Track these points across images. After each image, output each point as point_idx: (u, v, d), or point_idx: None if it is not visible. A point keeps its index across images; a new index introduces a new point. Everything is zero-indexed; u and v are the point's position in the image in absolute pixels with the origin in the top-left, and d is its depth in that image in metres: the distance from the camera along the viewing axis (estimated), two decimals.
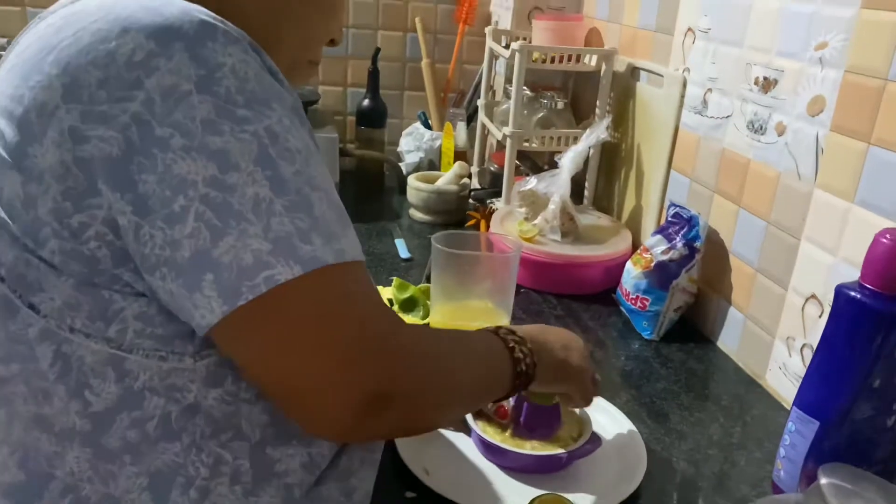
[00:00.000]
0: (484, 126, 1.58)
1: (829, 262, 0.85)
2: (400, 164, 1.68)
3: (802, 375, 0.72)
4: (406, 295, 1.05)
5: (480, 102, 1.58)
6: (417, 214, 1.48)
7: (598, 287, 1.19)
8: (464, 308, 0.97)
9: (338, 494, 0.60)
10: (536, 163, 1.52)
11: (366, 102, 1.65)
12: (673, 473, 0.78)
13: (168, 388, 0.51)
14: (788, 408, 0.75)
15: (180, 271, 0.46)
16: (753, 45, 0.99)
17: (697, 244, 1.04)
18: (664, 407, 0.90)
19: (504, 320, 0.95)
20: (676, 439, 0.84)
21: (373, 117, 1.65)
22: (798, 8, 0.90)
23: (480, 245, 1.03)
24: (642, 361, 1.02)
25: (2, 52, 1.36)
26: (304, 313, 0.48)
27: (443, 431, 0.81)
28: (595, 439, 0.78)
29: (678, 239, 1.05)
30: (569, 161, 1.23)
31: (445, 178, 1.49)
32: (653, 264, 1.06)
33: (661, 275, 1.05)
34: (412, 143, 1.69)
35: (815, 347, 0.72)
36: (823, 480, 0.60)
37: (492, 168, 1.54)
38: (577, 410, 0.80)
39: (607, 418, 0.84)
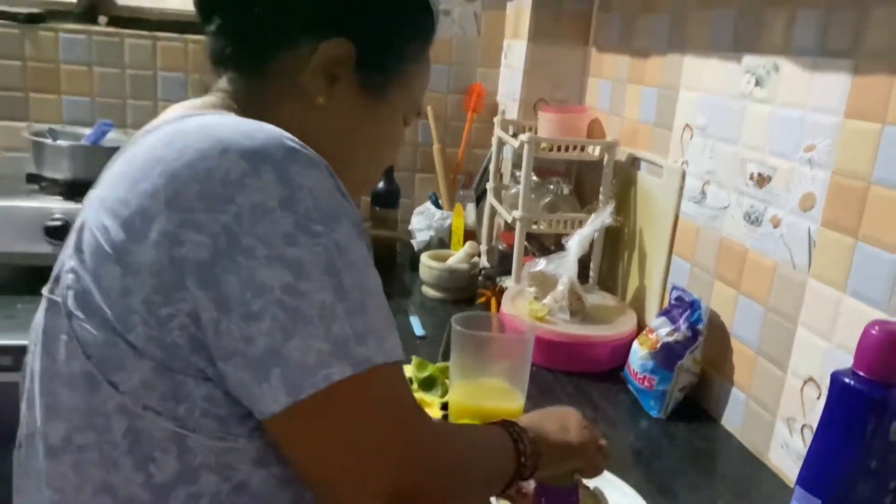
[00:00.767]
0: (493, 207, 1.66)
1: (824, 348, 0.91)
2: (412, 241, 1.75)
3: (804, 454, 0.78)
4: (425, 374, 1.10)
5: (489, 185, 1.67)
6: (430, 291, 1.55)
7: (606, 365, 1.24)
8: (481, 387, 1.02)
9: None
10: (543, 244, 1.59)
11: (381, 185, 1.74)
12: None
13: (221, 466, 0.56)
14: (792, 486, 0.79)
15: (252, 363, 0.52)
16: (748, 143, 1.07)
17: (700, 327, 1.11)
18: (673, 485, 0.95)
19: (520, 399, 1.00)
20: None
21: (387, 198, 1.74)
22: (788, 113, 0.99)
23: (496, 326, 1.08)
24: (651, 439, 1.06)
25: (44, 139, 1.43)
26: (351, 409, 0.54)
27: None
28: None
29: (682, 321, 1.12)
30: (576, 244, 1.30)
31: (457, 257, 1.56)
32: (658, 345, 1.12)
33: (667, 355, 1.11)
34: (423, 221, 1.77)
35: (814, 428, 0.77)
36: None
37: (500, 247, 1.62)
38: (591, 486, 0.85)
39: (621, 496, 0.88)
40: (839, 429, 0.75)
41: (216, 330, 0.53)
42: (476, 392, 1.01)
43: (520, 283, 1.41)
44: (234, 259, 0.52)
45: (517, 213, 1.42)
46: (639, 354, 1.14)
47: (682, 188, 1.24)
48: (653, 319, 1.17)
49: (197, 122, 0.58)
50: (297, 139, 0.57)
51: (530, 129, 1.57)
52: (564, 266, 1.30)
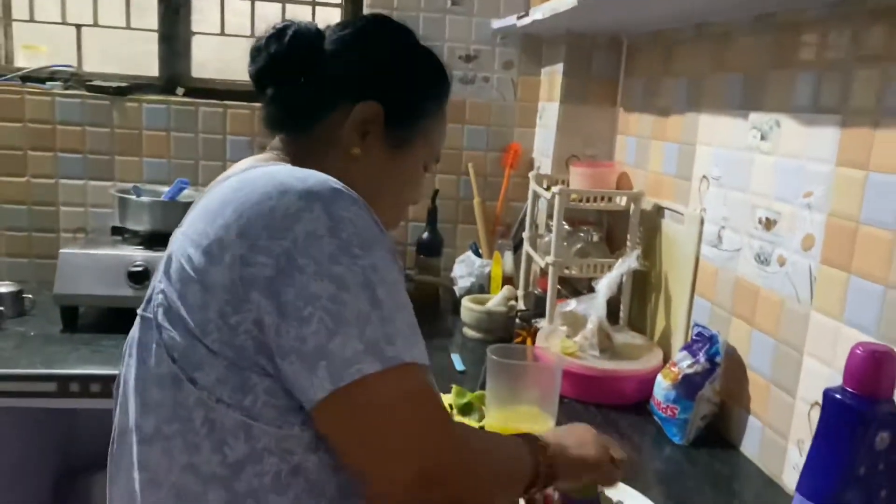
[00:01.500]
0: (529, 255, 1.78)
1: (826, 373, 1.00)
2: (454, 287, 1.88)
3: None
4: (464, 401, 1.22)
5: (525, 235, 1.80)
6: (470, 332, 1.67)
7: (633, 398, 1.34)
8: (515, 412, 1.12)
9: None
10: (576, 287, 1.71)
11: (425, 235, 1.89)
12: None
13: (281, 451, 0.69)
14: None
15: (304, 358, 0.65)
16: (756, 191, 1.18)
17: (718, 359, 1.20)
18: (692, 501, 1.03)
19: (550, 423, 1.11)
20: None
21: (431, 247, 1.88)
22: (788, 163, 1.10)
23: (529, 357, 1.20)
24: (674, 464, 1.15)
25: (129, 195, 1.62)
26: (380, 400, 0.66)
27: None
28: None
29: (701, 355, 1.21)
30: (604, 286, 1.41)
31: (495, 301, 1.68)
32: (680, 377, 1.21)
33: (688, 386, 1.20)
34: (465, 269, 1.90)
35: None
36: None
37: (536, 292, 1.74)
38: (613, 501, 0.94)
39: None
40: (831, 440, 0.84)
41: (277, 332, 0.66)
42: (510, 416, 1.12)
43: (553, 323, 1.52)
44: (292, 275, 0.65)
45: (549, 259, 1.54)
46: (662, 386, 1.23)
47: (700, 233, 1.35)
48: (676, 354, 1.27)
49: (261, 171, 0.73)
50: (340, 182, 0.71)
51: (563, 183, 1.70)
52: (593, 306, 1.41)
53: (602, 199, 1.57)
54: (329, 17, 2.03)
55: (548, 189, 1.66)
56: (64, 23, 1.93)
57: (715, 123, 1.33)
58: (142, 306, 0.76)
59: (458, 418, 1.19)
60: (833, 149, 1.00)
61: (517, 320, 1.68)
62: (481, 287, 1.86)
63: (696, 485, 1.08)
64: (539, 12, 1.56)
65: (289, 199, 0.68)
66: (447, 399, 1.24)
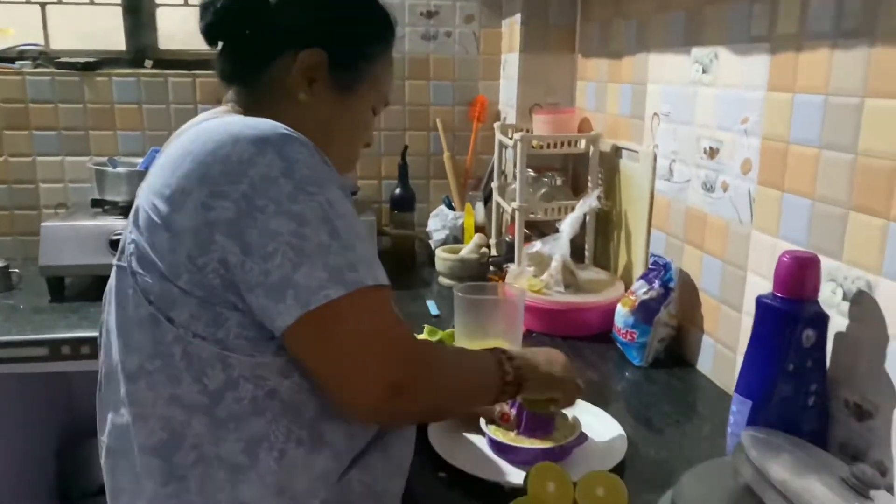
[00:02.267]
0: (498, 204, 1.84)
1: (766, 286, 1.06)
2: (429, 241, 1.95)
3: None
4: (436, 338, 1.28)
5: (494, 184, 1.85)
6: (444, 280, 1.73)
7: (597, 328, 1.41)
8: (483, 345, 1.18)
9: (381, 460, 0.83)
10: (544, 232, 1.77)
11: (397, 191, 1.95)
12: (649, 455, 0.98)
13: (255, 377, 0.76)
14: None
15: (270, 290, 0.71)
16: (700, 122, 1.24)
17: (671, 284, 1.27)
18: (648, 413, 1.11)
19: None
20: (656, 434, 1.04)
21: (403, 202, 1.94)
22: (727, 93, 1.16)
23: (499, 293, 1.26)
24: (633, 383, 1.23)
25: (105, 167, 1.67)
26: (347, 320, 0.72)
27: (465, 434, 1.02)
28: (583, 438, 0.99)
29: (656, 282, 1.28)
30: (567, 226, 1.47)
31: (467, 249, 1.74)
32: (637, 303, 1.28)
33: (645, 311, 1.27)
34: (439, 222, 1.96)
35: None
36: (744, 436, 0.81)
37: (507, 239, 1.80)
38: (570, 417, 1.02)
39: (599, 423, 1.04)
40: (763, 342, 0.91)
41: (242, 268, 0.71)
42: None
43: (521, 264, 1.58)
44: (253, 216, 0.71)
45: (515, 204, 1.60)
46: (621, 313, 1.31)
47: (654, 169, 1.41)
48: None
49: (215, 122, 0.78)
50: (289, 128, 0.76)
51: (527, 131, 1.75)
52: (558, 246, 1.47)
53: (563, 143, 1.63)
54: None
55: (511, 138, 1.71)
56: (28, 1, 1.95)
57: (662, 62, 1.38)
58: (116, 257, 0.82)
59: None
60: (764, 75, 1.06)
61: (490, 267, 1.75)
62: (456, 238, 1.92)
63: (654, 400, 1.16)
64: None
65: (242, 146, 0.73)
66: (420, 338, 1.30)
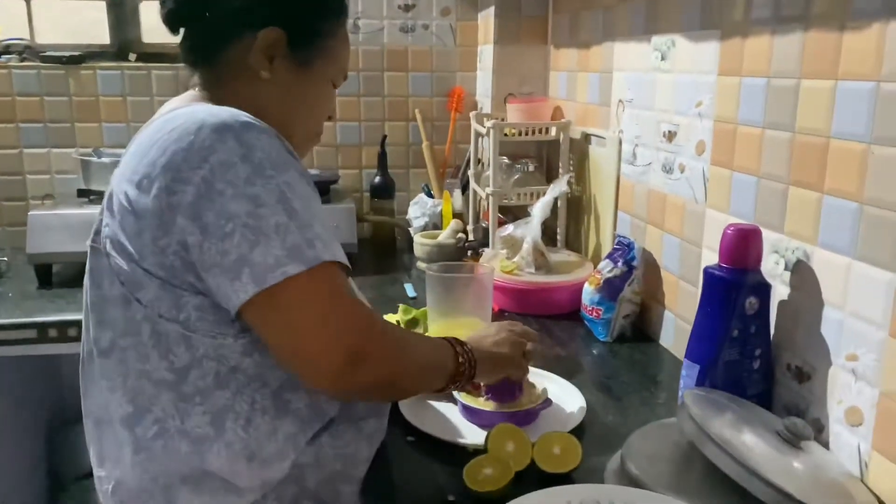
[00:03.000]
0: (475, 191, 1.90)
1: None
2: (409, 228, 2.00)
3: None
4: (410, 316, 1.34)
5: (471, 172, 1.91)
6: (423, 265, 1.79)
7: (567, 308, 1.46)
8: (454, 322, 1.24)
9: (352, 432, 0.88)
10: (518, 217, 1.82)
11: (377, 179, 2.00)
12: (606, 420, 1.04)
13: (218, 357, 0.80)
14: None
15: (227, 269, 0.74)
16: (660, 107, 1.30)
17: (634, 263, 1.33)
18: (609, 383, 1.17)
19: None
20: (615, 401, 1.10)
21: (383, 190, 1.99)
22: (683, 79, 1.22)
23: (464, 272, 1.32)
24: (598, 357, 1.29)
25: (91, 157, 1.68)
26: (305, 295, 0.75)
27: (432, 403, 1.08)
28: (547, 403, 1.04)
29: (620, 261, 1.34)
30: (538, 210, 1.53)
31: (444, 234, 1.80)
32: (602, 281, 1.34)
33: (610, 289, 1.33)
34: (418, 210, 2.01)
35: None
36: (687, 395, 0.86)
37: (483, 224, 1.85)
38: (535, 385, 1.07)
39: (561, 391, 1.10)
40: (710, 310, 0.97)
41: (200, 249, 0.75)
42: (450, 325, 1.23)
43: (495, 247, 1.64)
44: (211, 198, 0.74)
45: (489, 189, 1.66)
46: (588, 291, 1.36)
47: (620, 153, 1.47)
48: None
49: (181, 111, 0.82)
50: (251, 115, 0.80)
51: (501, 120, 1.81)
52: (529, 229, 1.53)
53: (535, 131, 1.68)
54: None
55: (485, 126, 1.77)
56: None
57: (626, 50, 1.44)
58: (90, 238, 0.86)
59: None
60: (716, 60, 1.12)
61: (467, 252, 1.80)
62: (435, 225, 1.97)
63: (616, 371, 1.22)
64: None
65: (204, 133, 0.76)
66: (394, 317, 1.36)
